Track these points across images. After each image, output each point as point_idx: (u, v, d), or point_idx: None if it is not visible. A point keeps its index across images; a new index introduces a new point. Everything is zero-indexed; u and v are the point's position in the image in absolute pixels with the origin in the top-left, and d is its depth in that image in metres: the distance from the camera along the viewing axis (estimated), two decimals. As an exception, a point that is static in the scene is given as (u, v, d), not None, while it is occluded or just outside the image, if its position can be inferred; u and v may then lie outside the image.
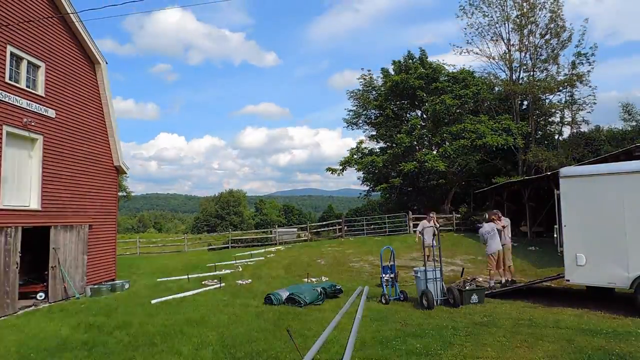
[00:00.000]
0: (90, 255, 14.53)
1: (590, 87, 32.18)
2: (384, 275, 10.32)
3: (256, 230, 48.23)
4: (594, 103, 32.80)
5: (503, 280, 11.07)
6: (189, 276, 15.33)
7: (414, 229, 28.40)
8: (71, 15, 13.98)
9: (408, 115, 35.68)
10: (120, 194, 41.03)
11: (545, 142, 34.60)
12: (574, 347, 6.28)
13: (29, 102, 12.32)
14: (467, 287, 9.61)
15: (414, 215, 29.42)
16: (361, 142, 36.21)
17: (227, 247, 30.34)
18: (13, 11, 11.93)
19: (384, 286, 10.16)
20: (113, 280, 15.44)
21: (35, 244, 13.16)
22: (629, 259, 8.17)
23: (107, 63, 15.85)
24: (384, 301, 9.75)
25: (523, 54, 33.65)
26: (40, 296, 12.70)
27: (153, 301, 11.22)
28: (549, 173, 18.23)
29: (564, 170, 9.49)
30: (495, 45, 35.69)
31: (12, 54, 11.89)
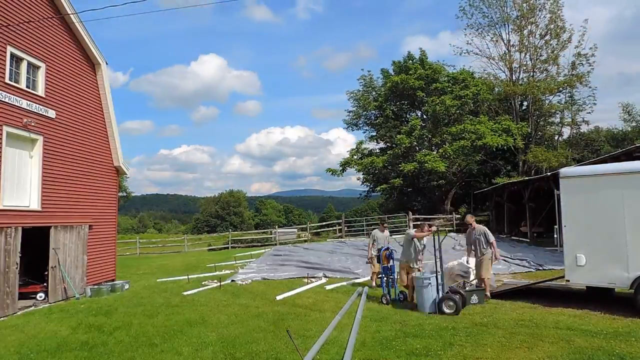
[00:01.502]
0: (90, 255, 14.53)
1: (590, 87, 32.25)
2: (383, 276, 10.28)
3: (256, 231, 48.22)
4: (594, 104, 32.87)
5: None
6: (189, 276, 15.33)
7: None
8: (71, 15, 13.99)
9: (408, 116, 35.73)
10: (120, 194, 41.04)
11: (545, 142, 34.63)
12: (574, 347, 6.28)
13: (29, 102, 12.32)
14: (467, 288, 9.61)
15: (414, 216, 29.48)
16: (361, 142, 36.29)
17: (227, 248, 30.36)
18: (13, 11, 11.93)
19: (384, 287, 10.15)
20: (113, 280, 15.43)
21: (35, 244, 13.15)
22: (629, 259, 8.17)
23: (107, 64, 15.86)
24: (385, 302, 9.74)
25: (523, 54, 33.73)
26: (40, 296, 12.69)
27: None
28: (549, 173, 18.24)
29: (564, 171, 9.49)
30: (495, 46, 35.73)
31: (12, 54, 11.89)
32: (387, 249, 10.49)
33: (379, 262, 10.67)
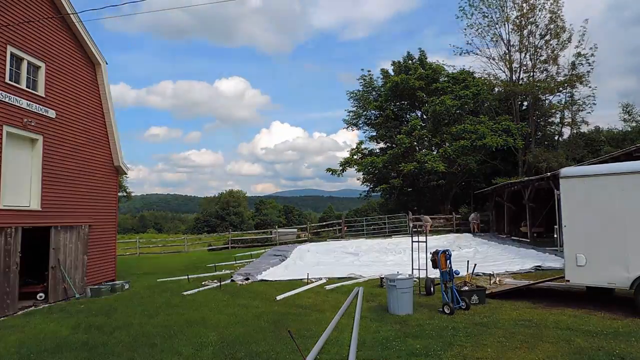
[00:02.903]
0: (90, 255, 14.53)
1: (590, 87, 32.18)
2: (442, 283, 9.02)
3: (256, 231, 48.19)
4: (594, 104, 32.81)
5: None
6: (189, 276, 15.32)
7: (414, 229, 28.48)
8: (71, 15, 13.99)
9: (408, 116, 35.72)
10: (120, 194, 41.01)
11: (545, 142, 34.60)
12: (574, 347, 6.29)
13: (29, 102, 12.31)
14: (466, 288, 9.57)
15: (413, 216, 29.46)
16: (361, 142, 36.32)
17: (227, 248, 30.35)
18: (13, 11, 11.93)
19: (444, 295, 8.94)
20: (113, 280, 15.43)
21: (35, 244, 13.15)
22: (629, 259, 8.16)
23: (107, 64, 15.86)
24: (447, 311, 8.59)
25: (523, 54, 33.66)
26: (40, 296, 12.69)
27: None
28: (549, 174, 18.22)
29: (564, 171, 9.48)
30: (495, 46, 35.68)
31: (12, 54, 11.89)
32: (446, 251, 9.06)
33: (434, 267, 9.16)
